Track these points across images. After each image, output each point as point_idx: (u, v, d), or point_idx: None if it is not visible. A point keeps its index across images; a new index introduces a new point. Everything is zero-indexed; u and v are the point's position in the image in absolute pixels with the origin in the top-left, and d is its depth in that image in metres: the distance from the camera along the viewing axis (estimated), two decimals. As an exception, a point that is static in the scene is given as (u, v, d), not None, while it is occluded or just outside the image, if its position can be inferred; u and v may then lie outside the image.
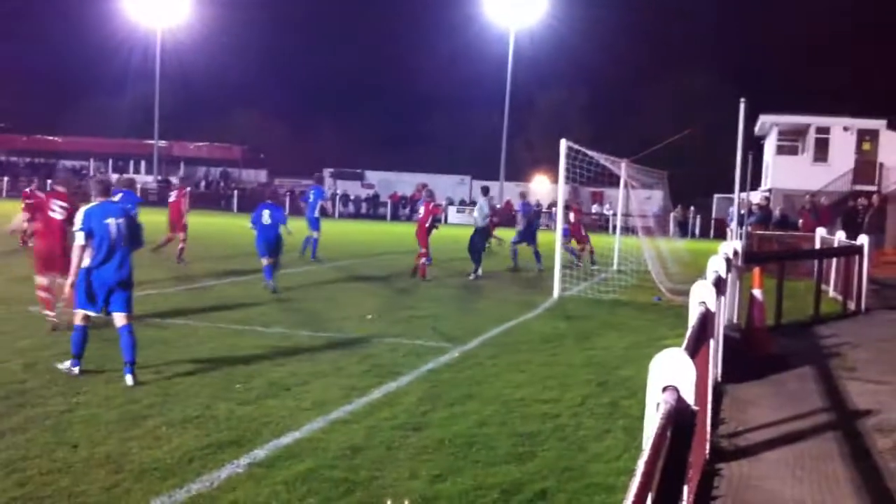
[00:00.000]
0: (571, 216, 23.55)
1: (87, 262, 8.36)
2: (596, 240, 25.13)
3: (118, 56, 75.60)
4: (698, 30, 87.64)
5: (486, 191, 22.01)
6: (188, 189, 22.24)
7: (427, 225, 19.16)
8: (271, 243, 16.01)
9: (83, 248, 8.34)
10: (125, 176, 21.78)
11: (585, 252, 24.00)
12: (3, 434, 6.42)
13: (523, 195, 25.93)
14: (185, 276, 17.21)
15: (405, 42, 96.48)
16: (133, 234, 8.75)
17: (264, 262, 15.94)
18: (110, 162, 70.60)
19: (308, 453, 6.31)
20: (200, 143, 71.94)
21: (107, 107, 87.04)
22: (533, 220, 23.93)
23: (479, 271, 19.82)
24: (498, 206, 26.64)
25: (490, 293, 16.99)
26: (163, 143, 67.37)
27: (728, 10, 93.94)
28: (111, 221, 8.45)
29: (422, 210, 19.72)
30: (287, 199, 61.44)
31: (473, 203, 60.53)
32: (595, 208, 57.92)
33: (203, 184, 68.46)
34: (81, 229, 8.34)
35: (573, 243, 23.54)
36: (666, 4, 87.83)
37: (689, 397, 3.57)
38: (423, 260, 19.01)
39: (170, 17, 64.50)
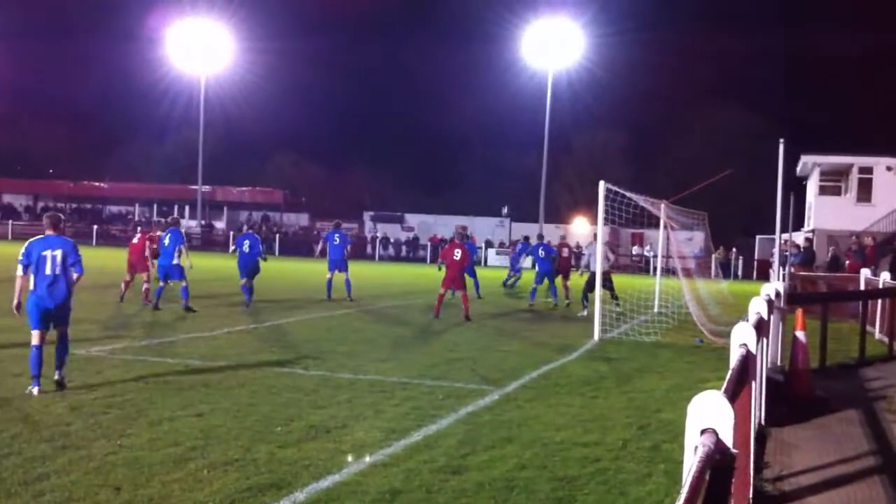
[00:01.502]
0: (565, 251, 26.59)
1: (32, 287, 9.77)
2: (636, 281, 25.01)
3: (163, 102, 77.15)
4: (737, 69, 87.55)
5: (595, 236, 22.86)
6: (151, 234, 22.63)
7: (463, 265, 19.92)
8: (248, 267, 20.49)
9: (23, 277, 9.82)
10: (173, 216, 23.48)
11: (565, 290, 25.33)
12: (48, 476, 6.51)
13: (540, 237, 27.45)
14: (227, 320, 17.37)
15: (444, 85, 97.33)
16: (74, 262, 10.02)
17: (242, 281, 20.43)
18: (154, 207, 71.72)
19: (347, 496, 6.32)
20: (243, 188, 72.83)
21: (151, 152, 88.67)
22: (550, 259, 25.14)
23: (585, 312, 21.15)
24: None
25: (530, 335, 16.95)
26: (206, 188, 68.30)
27: (766, 49, 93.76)
28: (47, 253, 9.79)
29: (458, 253, 19.91)
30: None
31: (514, 244, 60.78)
32: (636, 250, 57.64)
33: (245, 228, 69.23)
34: (21, 262, 9.78)
35: (557, 281, 25.16)
36: (702, 44, 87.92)
37: (728, 440, 3.55)
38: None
39: (213, 64, 65.70)
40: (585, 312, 21.31)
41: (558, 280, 25.34)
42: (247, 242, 20.78)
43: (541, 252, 25.00)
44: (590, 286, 21.64)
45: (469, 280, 23.26)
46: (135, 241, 21.20)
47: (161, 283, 19.17)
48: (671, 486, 6.79)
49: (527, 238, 30.56)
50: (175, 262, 18.86)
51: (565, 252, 26.71)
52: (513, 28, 63.27)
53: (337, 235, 23.64)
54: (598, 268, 18.25)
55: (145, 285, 20.21)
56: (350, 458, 7.28)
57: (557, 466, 7.30)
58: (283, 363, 12.12)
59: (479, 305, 23.65)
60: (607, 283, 21.72)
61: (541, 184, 61.50)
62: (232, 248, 21.81)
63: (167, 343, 13.73)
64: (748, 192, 70.41)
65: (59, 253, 9.87)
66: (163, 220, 25.13)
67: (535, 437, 8.25)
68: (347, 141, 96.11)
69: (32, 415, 8.42)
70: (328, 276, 23.28)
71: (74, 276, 10.06)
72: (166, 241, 19.12)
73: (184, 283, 18.94)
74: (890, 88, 76.25)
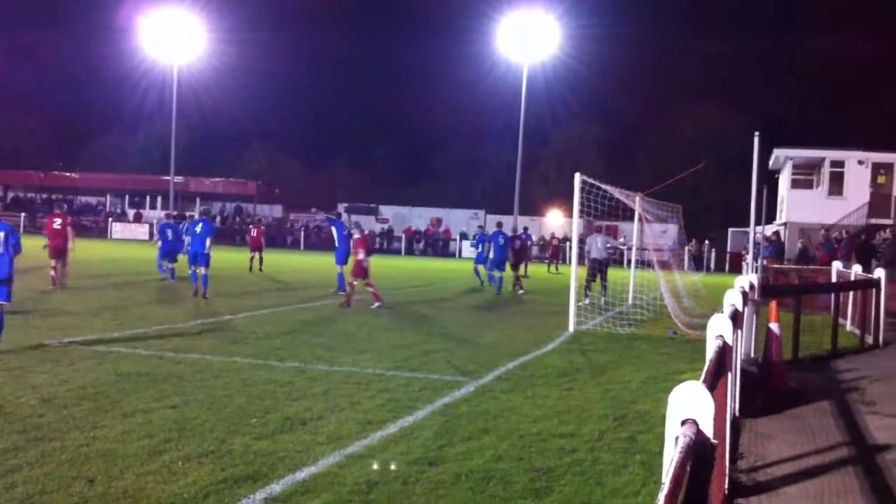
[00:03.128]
0: (518, 243, 27.85)
1: None
2: (611, 273, 25.13)
3: (135, 93, 76.42)
4: (712, 64, 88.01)
5: (599, 229, 23.34)
6: (71, 218, 23.07)
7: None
8: (199, 253, 20.35)
9: None
10: (203, 207, 24.78)
11: (515, 279, 26.69)
12: (21, 468, 6.42)
13: (499, 224, 27.65)
14: (200, 312, 17.26)
15: (419, 76, 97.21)
16: (15, 242, 11.75)
17: (192, 269, 20.66)
18: (126, 198, 71.11)
19: (324, 488, 6.29)
20: (216, 179, 72.41)
21: (123, 143, 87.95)
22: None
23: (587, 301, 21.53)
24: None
25: (505, 327, 16.96)
26: (179, 178, 67.79)
27: (741, 45, 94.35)
28: None
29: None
30: (302, 234, 61.83)
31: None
32: (611, 242, 57.88)
33: (218, 219, 68.83)
34: None
35: (507, 270, 26.33)
36: (678, 40, 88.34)
37: (708, 430, 3.55)
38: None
39: (186, 54, 65.14)
40: (587, 301, 21.73)
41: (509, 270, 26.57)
42: (200, 225, 20.77)
43: (500, 240, 26.00)
44: (592, 276, 22.15)
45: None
46: (56, 225, 21.42)
47: (192, 269, 20.68)
48: (648, 477, 6.81)
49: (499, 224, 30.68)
50: (206, 250, 20.19)
51: (517, 244, 27.96)
52: (489, 20, 63.20)
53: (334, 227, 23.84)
54: (574, 261, 18.27)
55: (54, 270, 20.68)
56: (326, 450, 7.25)
57: (534, 457, 7.30)
58: (257, 355, 12.04)
59: (454, 297, 23.71)
60: (603, 273, 22.21)
61: (516, 176, 61.57)
62: (155, 238, 24.01)
63: (140, 334, 13.61)
64: (721, 185, 71.00)
65: (1, 234, 11.59)
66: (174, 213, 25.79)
67: (511, 429, 8.25)
68: (322, 132, 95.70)
69: (4, 406, 8.31)
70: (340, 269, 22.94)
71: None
72: (198, 229, 20.48)
73: (205, 272, 20.37)
74: (862, 83, 76.96)
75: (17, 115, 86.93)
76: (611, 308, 20.85)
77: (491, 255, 26.33)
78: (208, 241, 20.27)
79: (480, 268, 27.71)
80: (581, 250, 19.66)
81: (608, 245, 23.26)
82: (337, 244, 23.05)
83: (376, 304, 19.25)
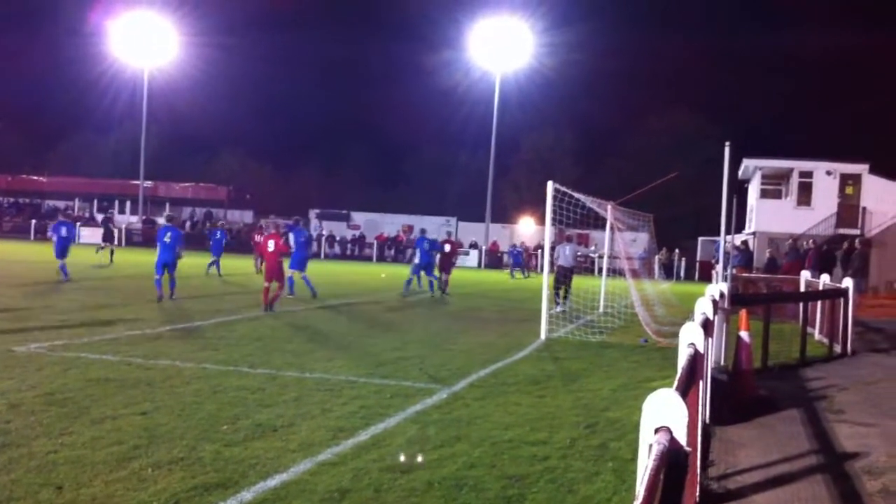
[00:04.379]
0: (447, 247, 28.65)
1: None
2: (582, 282, 25.22)
3: (105, 96, 76.08)
4: (684, 73, 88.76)
5: (570, 238, 24.05)
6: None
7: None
8: (169, 261, 20.27)
9: None
10: (298, 217, 24.88)
11: (442, 282, 27.64)
12: (-13, 475, 6.34)
13: (423, 231, 28.66)
14: (170, 317, 17.12)
15: (391, 84, 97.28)
16: None
17: (157, 277, 20.30)
18: (95, 202, 70.48)
19: (295, 495, 6.25)
20: (186, 184, 71.97)
21: (93, 147, 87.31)
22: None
23: (559, 308, 21.90)
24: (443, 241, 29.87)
25: (477, 335, 16.96)
26: (148, 183, 67.35)
27: (712, 55, 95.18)
28: None
29: (271, 244, 20.21)
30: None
31: (459, 245, 60.98)
32: (581, 250, 58.04)
33: (188, 224, 68.39)
34: None
35: (436, 271, 27.26)
36: (650, 49, 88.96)
37: (682, 438, 3.57)
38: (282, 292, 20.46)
39: (157, 57, 64.77)
40: (559, 308, 22.06)
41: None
42: (168, 234, 20.56)
43: (425, 245, 26.67)
44: (558, 283, 22.37)
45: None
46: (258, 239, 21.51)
47: (157, 278, 20.45)
48: (619, 485, 6.83)
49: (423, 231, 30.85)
50: (175, 258, 20.47)
51: (448, 248, 28.75)
52: (462, 27, 63.47)
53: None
54: (546, 268, 18.32)
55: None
56: (298, 458, 7.21)
57: (507, 465, 7.30)
58: (227, 361, 11.96)
59: (426, 304, 23.71)
60: (568, 281, 22.46)
61: (488, 183, 61.71)
62: (49, 233, 27.03)
63: (108, 340, 13.48)
64: (693, 194, 71.52)
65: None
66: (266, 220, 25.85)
67: (484, 436, 8.24)
68: (294, 138, 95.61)
69: (-31, 413, 8.19)
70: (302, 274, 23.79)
71: None
72: (167, 239, 20.43)
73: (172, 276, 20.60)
74: (833, 93, 77.82)
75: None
76: (572, 316, 20.95)
77: (416, 260, 27.18)
78: (178, 250, 20.43)
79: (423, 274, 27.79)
80: (552, 258, 19.77)
81: (578, 253, 23.55)
82: (293, 250, 23.39)
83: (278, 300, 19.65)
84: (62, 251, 25.18)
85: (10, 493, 5.98)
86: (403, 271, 29.86)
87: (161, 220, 60.71)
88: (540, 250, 48.19)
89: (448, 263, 28.37)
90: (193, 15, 69.92)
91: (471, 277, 42.72)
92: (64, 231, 25.51)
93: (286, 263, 21.19)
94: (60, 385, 9.66)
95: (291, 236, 23.69)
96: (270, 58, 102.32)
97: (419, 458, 7.32)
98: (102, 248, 36.41)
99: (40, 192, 73.39)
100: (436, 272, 27.28)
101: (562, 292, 22.66)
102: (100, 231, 63.23)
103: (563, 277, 22.90)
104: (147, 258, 22.32)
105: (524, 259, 48.41)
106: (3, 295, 19.41)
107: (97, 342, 13.20)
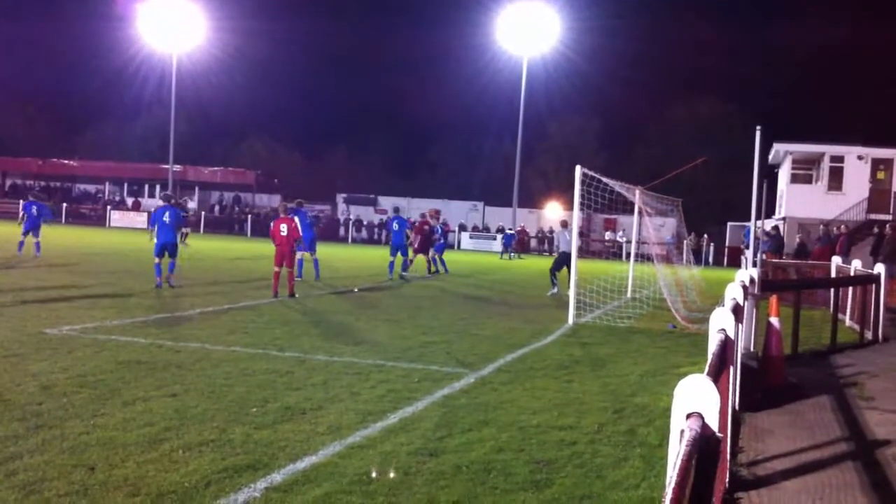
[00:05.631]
0: (426, 228, 28.82)
1: None
2: (609, 267, 25.10)
3: (134, 81, 76.53)
4: (712, 59, 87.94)
5: (565, 224, 23.67)
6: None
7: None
8: (169, 242, 19.32)
9: None
10: (297, 200, 24.77)
11: (414, 262, 28.18)
12: (21, 456, 6.41)
13: (396, 209, 28.78)
14: (199, 301, 17.23)
15: (419, 68, 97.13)
16: None
17: (157, 260, 19.13)
18: (125, 186, 71.01)
19: (324, 478, 6.28)
20: (215, 168, 72.24)
21: (123, 131, 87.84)
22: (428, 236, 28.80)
23: (556, 290, 22.60)
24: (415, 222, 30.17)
25: (504, 319, 16.95)
26: (177, 167, 67.69)
27: (742, 40, 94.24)
28: None
29: (284, 228, 19.54)
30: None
31: (486, 229, 60.84)
32: (608, 235, 57.86)
33: (217, 208, 68.75)
34: None
35: (410, 253, 27.43)
36: (679, 34, 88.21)
37: (714, 424, 3.55)
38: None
39: (186, 43, 65.01)
40: (555, 290, 22.56)
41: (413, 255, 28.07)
42: (167, 214, 19.44)
43: (395, 225, 26.58)
44: (557, 266, 22.41)
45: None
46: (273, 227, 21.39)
47: (157, 261, 19.33)
48: (647, 470, 6.81)
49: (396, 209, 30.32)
50: (175, 240, 19.84)
51: (426, 228, 28.89)
52: (489, 12, 63.14)
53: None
54: (574, 253, 18.26)
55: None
56: (327, 440, 7.24)
57: (534, 449, 7.30)
58: (256, 344, 12.04)
59: (452, 289, 23.71)
60: (568, 267, 22.38)
61: (515, 168, 61.53)
62: (21, 212, 28.47)
63: (138, 323, 13.59)
64: (722, 179, 70.99)
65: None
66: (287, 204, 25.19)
67: (511, 421, 8.25)
68: (322, 123, 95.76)
69: (3, 394, 8.29)
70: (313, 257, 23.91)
71: None
72: (165, 218, 19.49)
73: (172, 260, 19.80)
74: (864, 78, 76.86)
75: (16, 102, 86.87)
76: (601, 303, 20.85)
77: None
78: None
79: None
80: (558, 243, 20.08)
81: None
82: (301, 233, 23.45)
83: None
84: (33, 228, 27.17)
85: (44, 473, 6.06)
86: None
87: (191, 205, 61.49)
88: (554, 233, 49.98)
89: (426, 245, 28.76)
90: (222, 0, 70.22)
91: (496, 263, 42.71)
92: (34, 210, 27.61)
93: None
94: (92, 367, 9.77)
95: (297, 219, 23.68)
96: (298, 42, 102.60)
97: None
98: (185, 233, 37.05)
99: (71, 175, 73.96)
100: (410, 254, 27.50)
101: (560, 275, 22.74)
102: (131, 214, 64.07)
103: (562, 262, 22.95)
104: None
105: (514, 242, 50.45)
106: (33, 278, 19.62)
107: (127, 325, 13.32)
